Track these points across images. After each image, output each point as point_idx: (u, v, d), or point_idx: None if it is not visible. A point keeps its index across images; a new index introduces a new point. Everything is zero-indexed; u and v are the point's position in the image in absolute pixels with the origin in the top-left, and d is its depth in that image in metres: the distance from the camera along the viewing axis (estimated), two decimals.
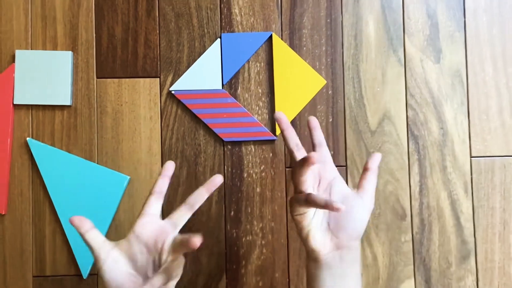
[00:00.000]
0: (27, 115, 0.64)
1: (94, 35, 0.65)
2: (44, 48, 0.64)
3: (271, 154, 0.65)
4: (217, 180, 0.47)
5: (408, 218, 0.64)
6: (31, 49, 0.64)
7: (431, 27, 0.66)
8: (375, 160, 0.50)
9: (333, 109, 0.65)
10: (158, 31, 0.65)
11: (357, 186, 0.49)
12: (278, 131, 0.64)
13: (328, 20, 0.66)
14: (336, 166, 0.64)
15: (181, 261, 0.43)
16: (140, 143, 0.64)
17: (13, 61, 0.64)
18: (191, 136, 0.65)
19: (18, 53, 0.63)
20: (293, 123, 0.65)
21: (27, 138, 0.63)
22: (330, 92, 0.65)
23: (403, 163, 0.65)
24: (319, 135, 0.52)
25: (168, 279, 0.42)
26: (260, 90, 0.65)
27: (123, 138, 0.64)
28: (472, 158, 0.65)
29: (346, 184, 0.49)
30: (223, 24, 0.65)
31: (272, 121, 0.65)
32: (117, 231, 0.63)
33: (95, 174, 0.63)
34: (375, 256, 0.64)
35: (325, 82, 0.65)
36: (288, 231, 0.64)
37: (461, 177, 0.64)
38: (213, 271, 0.63)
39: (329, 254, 0.46)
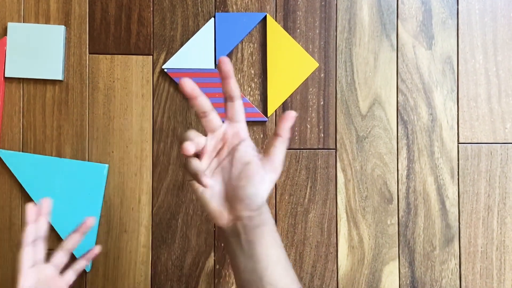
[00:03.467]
0: (18, 88, 0.63)
1: (88, 10, 0.65)
2: (37, 21, 0.64)
3: (262, 135, 0.65)
4: (89, 222, 0.53)
5: (395, 201, 0.65)
6: (23, 22, 0.64)
7: (424, 13, 0.66)
8: (287, 125, 0.43)
9: (324, 92, 0.66)
10: (152, 9, 0.65)
11: (265, 151, 0.44)
12: (269, 113, 0.65)
13: (323, 3, 0.66)
14: (326, 149, 0.65)
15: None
16: (131, 120, 0.64)
17: (5, 34, 0.63)
18: (182, 114, 0.65)
19: (10, 26, 0.63)
20: (284, 105, 0.65)
21: None
22: (322, 75, 0.66)
23: (392, 148, 0.65)
24: (233, 85, 0.42)
25: None
26: (252, 71, 0.65)
27: (114, 115, 0.64)
28: (459, 144, 0.66)
29: (253, 149, 0.44)
30: (217, 3, 0.65)
31: (264, 103, 0.65)
32: (107, 210, 0.64)
33: (72, 170, 0.62)
34: (361, 238, 0.65)
35: (318, 65, 0.65)
36: (276, 211, 0.65)
37: (448, 162, 0.65)
38: (201, 248, 0.64)
39: (229, 224, 0.42)
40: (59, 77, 0.63)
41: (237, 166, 0.42)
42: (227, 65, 0.41)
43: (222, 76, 0.42)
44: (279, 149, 0.43)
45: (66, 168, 0.62)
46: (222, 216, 0.42)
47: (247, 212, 0.41)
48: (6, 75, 0.63)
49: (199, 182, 0.41)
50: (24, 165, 0.62)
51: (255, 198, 0.41)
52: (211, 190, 0.42)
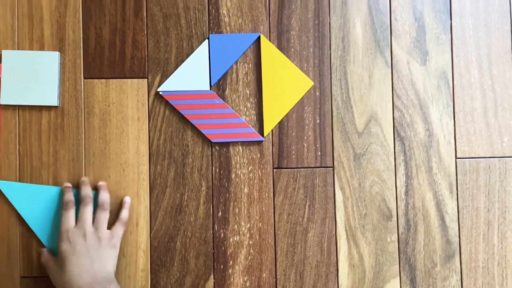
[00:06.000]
0: (14, 115, 0.64)
1: (82, 35, 0.65)
2: (31, 48, 0.64)
3: (258, 155, 0.65)
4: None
5: (394, 218, 0.65)
6: (18, 49, 0.64)
7: (417, 29, 0.66)
8: None
9: (320, 111, 0.66)
10: (146, 32, 0.65)
11: None
12: (266, 132, 0.65)
13: (316, 22, 0.66)
14: (323, 167, 0.65)
15: None
16: (127, 144, 0.64)
17: (0, 61, 0.63)
18: (179, 137, 0.65)
19: (5, 53, 0.63)
20: (280, 124, 0.65)
21: None
22: (317, 93, 0.66)
23: (390, 164, 0.65)
24: None
25: None
26: (248, 91, 0.65)
27: (110, 139, 0.64)
28: (457, 159, 0.65)
29: None
30: (211, 25, 0.65)
31: (260, 122, 0.65)
32: None
33: None
34: (361, 256, 0.64)
35: (313, 83, 0.65)
36: (275, 231, 0.64)
37: (446, 178, 0.65)
38: (201, 271, 0.64)
39: None
40: (55, 103, 0.63)
41: None
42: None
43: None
44: None
45: (61, 195, 0.62)
46: None
47: None
48: (1, 102, 0.63)
49: None
50: (21, 195, 0.62)
51: None
52: None
